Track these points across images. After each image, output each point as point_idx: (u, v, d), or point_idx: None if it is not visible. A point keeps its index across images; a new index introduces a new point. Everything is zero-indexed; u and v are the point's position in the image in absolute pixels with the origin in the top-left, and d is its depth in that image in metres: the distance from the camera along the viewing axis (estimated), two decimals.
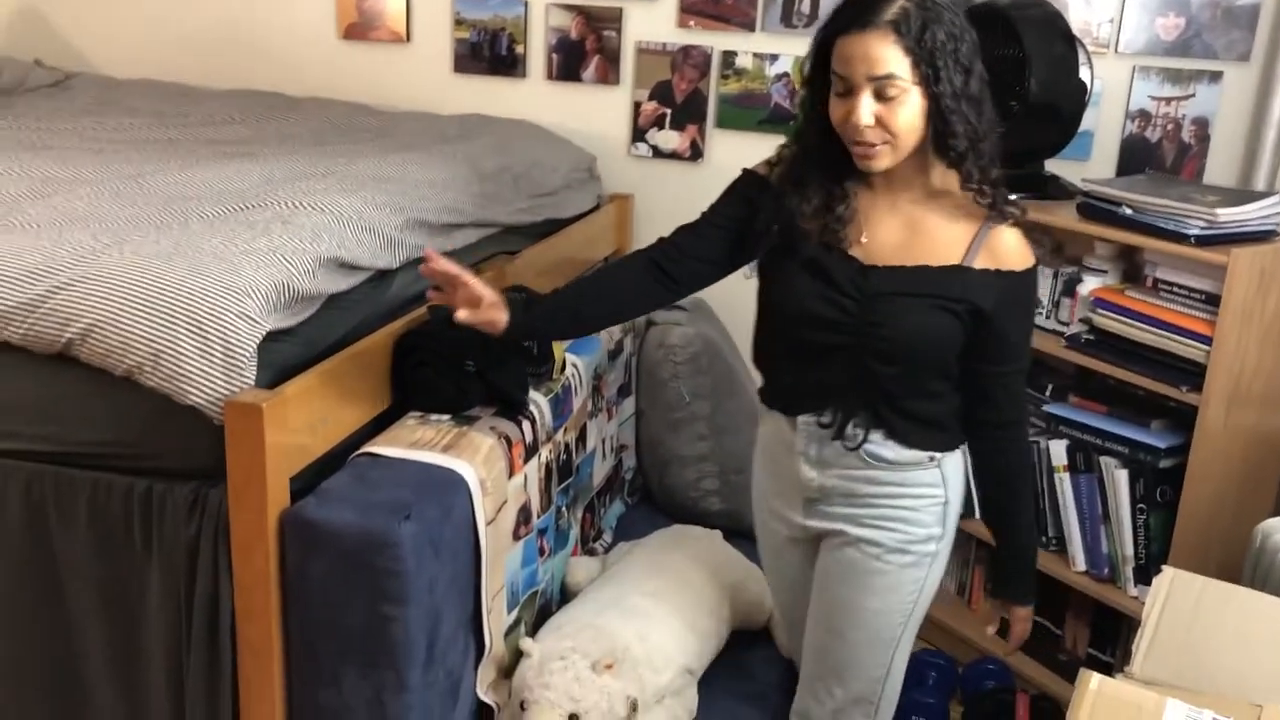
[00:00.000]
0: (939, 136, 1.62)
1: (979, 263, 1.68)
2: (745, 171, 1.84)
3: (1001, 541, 1.92)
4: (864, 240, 1.70)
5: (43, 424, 1.81)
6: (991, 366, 1.74)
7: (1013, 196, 1.70)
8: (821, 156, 1.70)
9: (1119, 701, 1.49)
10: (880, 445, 1.75)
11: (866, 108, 1.58)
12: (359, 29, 3.35)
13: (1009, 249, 1.68)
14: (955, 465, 1.81)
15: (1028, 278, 1.71)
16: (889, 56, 1.56)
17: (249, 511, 1.66)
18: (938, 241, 1.69)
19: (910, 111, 1.59)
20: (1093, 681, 1.50)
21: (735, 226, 1.81)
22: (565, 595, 2.31)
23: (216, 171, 2.32)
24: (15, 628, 1.90)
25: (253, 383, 1.71)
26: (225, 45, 3.47)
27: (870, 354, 1.69)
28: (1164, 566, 1.80)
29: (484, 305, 1.79)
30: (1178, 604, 1.72)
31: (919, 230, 1.70)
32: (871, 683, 1.85)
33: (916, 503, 1.78)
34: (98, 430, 1.80)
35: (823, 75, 1.65)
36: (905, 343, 1.68)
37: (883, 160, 1.63)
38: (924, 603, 1.85)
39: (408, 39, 3.32)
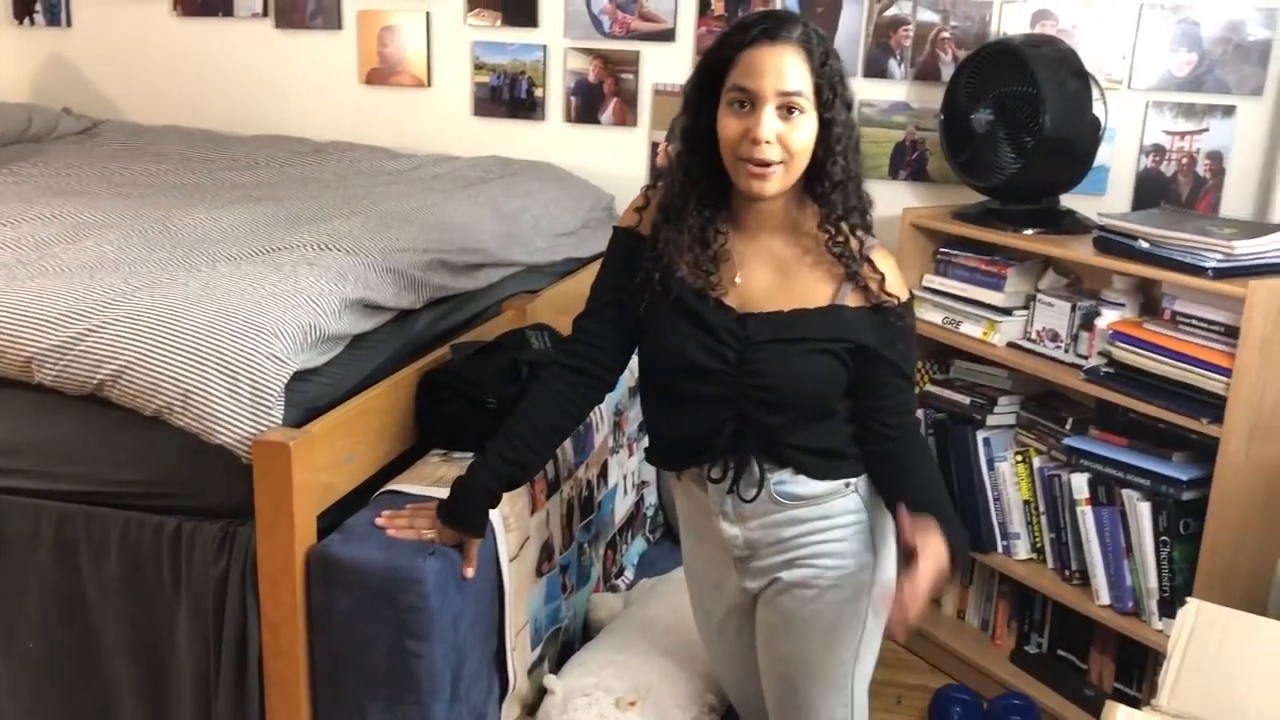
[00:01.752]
0: (818, 168, 1.61)
1: (853, 300, 1.65)
2: (616, 229, 1.80)
3: (913, 496, 1.67)
4: (738, 282, 1.66)
5: (73, 464, 1.84)
6: (881, 401, 1.69)
7: (873, 241, 1.67)
8: (700, 187, 1.66)
9: None
10: (791, 483, 1.70)
11: (770, 121, 1.55)
12: (380, 74, 3.41)
13: (884, 282, 1.65)
14: (871, 487, 1.76)
15: (907, 308, 1.69)
16: (798, 73, 1.56)
17: (276, 549, 1.68)
18: (809, 282, 1.66)
19: (808, 133, 1.58)
20: (1119, 715, 1.51)
21: (626, 293, 1.74)
22: (588, 632, 2.32)
23: (242, 215, 2.36)
24: (46, 664, 1.92)
25: (280, 422, 1.73)
26: (249, 92, 3.54)
27: (753, 404, 1.65)
28: (1188, 599, 1.80)
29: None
30: (1203, 636, 1.71)
31: (789, 272, 1.67)
32: None
33: (843, 532, 1.73)
34: (128, 470, 1.83)
35: (711, 94, 1.61)
36: (788, 390, 1.64)
37: (774, 183, 1.59)
38: (873, 632, 1.79)
39: (429, 84, 3.37)
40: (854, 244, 1.64)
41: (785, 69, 1.55)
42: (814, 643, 1.76)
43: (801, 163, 1.60)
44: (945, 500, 1.71)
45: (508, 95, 3.32)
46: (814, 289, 1.65)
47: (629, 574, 2.61)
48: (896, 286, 1.67)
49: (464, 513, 1.72)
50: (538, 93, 3.29)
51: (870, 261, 1.65)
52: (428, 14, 3.32)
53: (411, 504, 1.78)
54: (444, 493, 1.80)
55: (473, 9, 3.29)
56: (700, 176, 1.65)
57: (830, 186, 1.61)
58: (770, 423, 1.66)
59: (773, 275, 1.67)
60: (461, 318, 2.33)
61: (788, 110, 1.56)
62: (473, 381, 2.02)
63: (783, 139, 1.56)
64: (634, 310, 1.72)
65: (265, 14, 3.47)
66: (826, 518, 1.72)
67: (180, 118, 3.57)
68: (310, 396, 1.83)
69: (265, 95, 3.53)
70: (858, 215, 1.65)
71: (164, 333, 1.77)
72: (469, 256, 2.37)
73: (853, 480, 1.72)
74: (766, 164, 1.56)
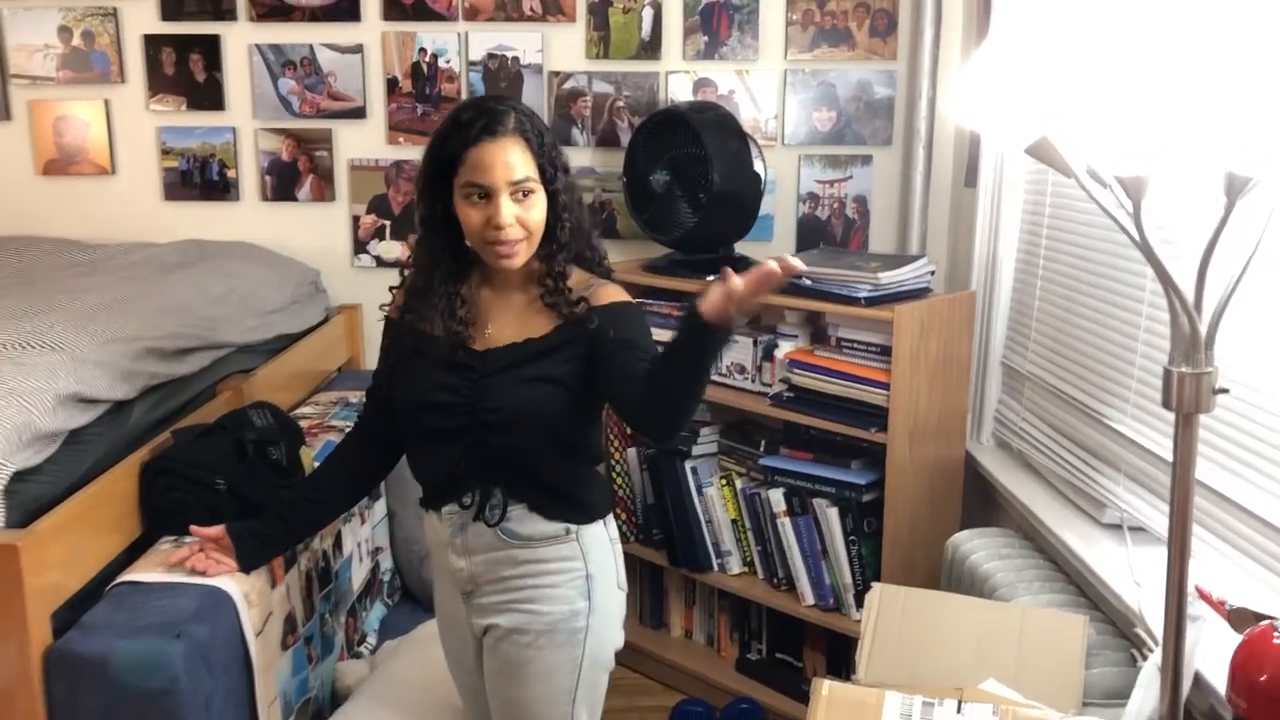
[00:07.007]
0: (549, 229, 1.77)
1: (576, 311, 1.77)
2: (385, 318, 1.95)
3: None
4: (489, 332, 1.81)
5: None
6: (623, 364, 1.73)
7: (599, 284, 1.82)
8: (443, 267, 1.81)
9: (847, 702, 1.72)
10: (518, 522, 1.80)
11: (509, 210, 1.71)
12: (59, 165, 3.30)
13: (608, 296, 1.80)
14: (595, 538, 1.85)
15: (627, 305, 1.82)
16: (523, 161, 1.72)
17: (10, 653, 1.64)
18: (539, 317, 1.80)
19: (541, 209, 1.75)
20: (824, 689, 1.74)
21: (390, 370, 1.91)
22: (337, 700, 2.34)
23: None
24: None
25: (2, 524, 1.69)
26: None
27: (484, 429, 1.77)
28: (873, 584, 2.07)
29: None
30: (888, 615, 1.98)
31: (527, 314, 1.82)
32: None
33: (557, 579, 1.81)
34: None
35: (444, 185, 1.75)
36: (513, 413, 1.76)
37: (521, 256, 1.75)
38: (591, 678, 1.86)
39: (113, 171, 3.30)
40: (568, 292, 1.78)
41: (511, 161, 1.71)
42: (531, 688, 1.83)
43: (540, 233, 1.77)
44: None
45: (199, 178, 3.30)
46: (542, 322, 1.80)
47: (371, 640, 2.65)
48: (622, 294, 1.82)
49: (241, 551, 1.92)
50: (230, 174, 3.30)
51: (583, 298, 1.78)
52: (106, 102, 3.26)
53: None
54: (183, 576, 1.86)
55: (154, 95, 3.25)
56: (443, 257, 1.81)
57: (558, 248, 1.78)
58: (502, 447, 1.77)
59: (516, 320, 1.82)
60: (178, 403, 2.32)
61: (521, 194, 1.72)
62: (198, 465, 2.04)
63: (521, 220, 1.73)
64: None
65: None
66: (542, 561, 1.81)
67: None
68: (30, 496, 1.79)
69: None
70: (580, 261, 1.83)
71: None
72: (179, 341, 2.36)
73: (574, 527, 1.82)
74: (510, 243, 1.73)
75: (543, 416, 1.77)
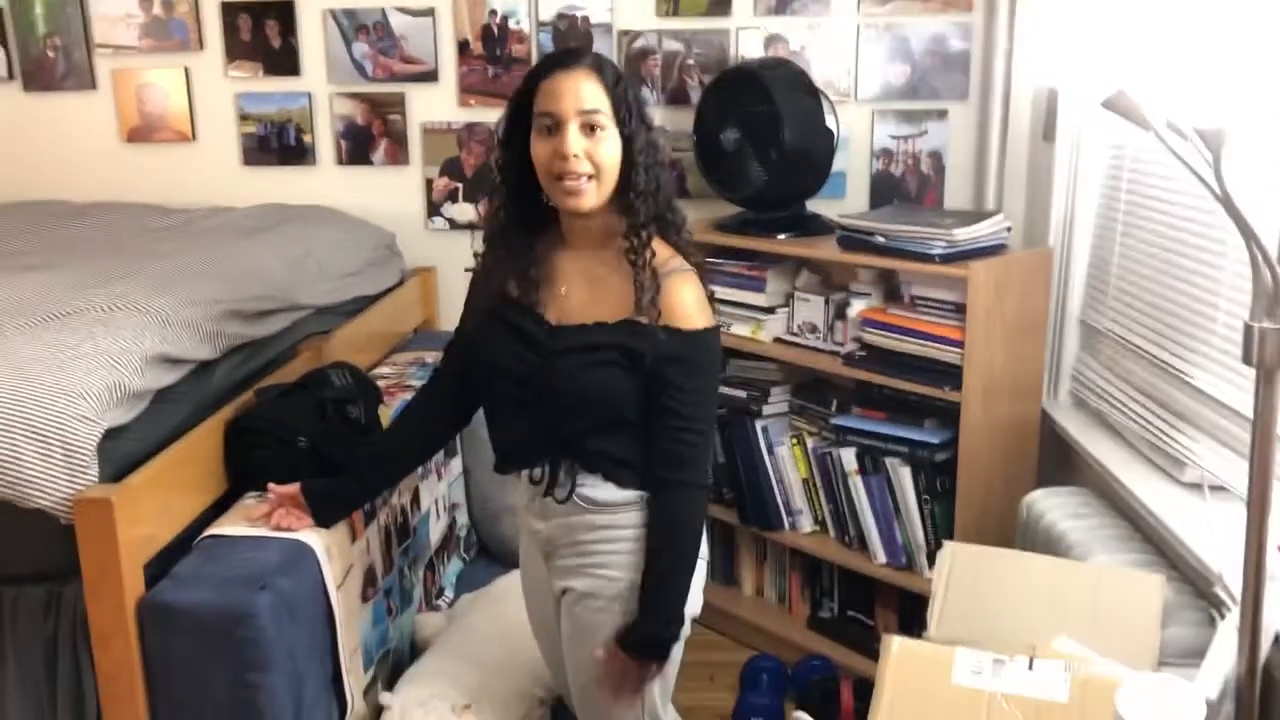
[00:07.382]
0: (624, 180, 1.74)
1: (650, 316, 1.72)
2: (470, 272, 1.95)
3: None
4: (563, 293, 1.80)
5: None
6: (657, 418, 1.75)
7: (680, 265, 1.77)
8: (519, 216, 1.82)
9: (917, 657, 1.73)
10: (592, 488, 1.79)
11: (575, 137, 1.70)
12: (142, 131, 3.38)
13: (680, 307, 1.74)
14: None
15: (701, 338, 1.76)
16: (594, 92, 1.71)
17: (106, 603, 1.71)
18: (616, 296, 1.75)
19: (613, 148, 1.72)
20: (894, 645, 1.74)
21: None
22: (415, 651, 2.41)
23: (22, 285, 2.31)
24: None
25: (96, 480, 1.76)
26: (2, 159, 3.44)
27: (551, 408, 1.77)
28: (945, 542, 2.06)
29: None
30: (960, 573, 1.98)
31: (602, 286, 1.78)
32: None
33: (630, 545, 1.80)
34: None
35: (523, 129, 1.76)
36: (578, 397, 1.75)
37: (589, 197, 1.72)
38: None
39: (193, 137, 3.37)
40: (650, 254, 1.74)
41: (581, 90, 1.71)
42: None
43: (611, 175, 1.74)
44: (650, 595, 1.78)
45: (276, 143, 3.36)
46: (618, 303, 1.75)
47: (449, 593, 2.71)
48: (683, 315, 1.74)
49: (315, 510, 1.98)
50: (306, 139, 3.35)
51: (658, 283, 1.73)
52: (186, 69, 3.33)
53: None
54: (264, 532, 1.92)
55: (232, 62, 3.31)
56: (517, 205, 1.82)
57: (635, 195, 1.74)
58: (568, 429, 1.78)
59: (589, 289, 1.80)
60: (260, 363, 2.39)
61: (590, 128, 1.71)
62: (282, 423, 2.09)
63: (590, 154, 1.71)
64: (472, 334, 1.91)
65: (11, 77, 3.39)
66: (615, 528, 1.81)
67: None
68: (121, 453, 1.86)
69: (19, 161, 3.43)
70: (661, 224, 1.78)
71: None
72: (259, 303, 2.42)
73: (648, 496, 1.80)
74: (578, 177, 1.71)
75: (609, 400, 1.76)
